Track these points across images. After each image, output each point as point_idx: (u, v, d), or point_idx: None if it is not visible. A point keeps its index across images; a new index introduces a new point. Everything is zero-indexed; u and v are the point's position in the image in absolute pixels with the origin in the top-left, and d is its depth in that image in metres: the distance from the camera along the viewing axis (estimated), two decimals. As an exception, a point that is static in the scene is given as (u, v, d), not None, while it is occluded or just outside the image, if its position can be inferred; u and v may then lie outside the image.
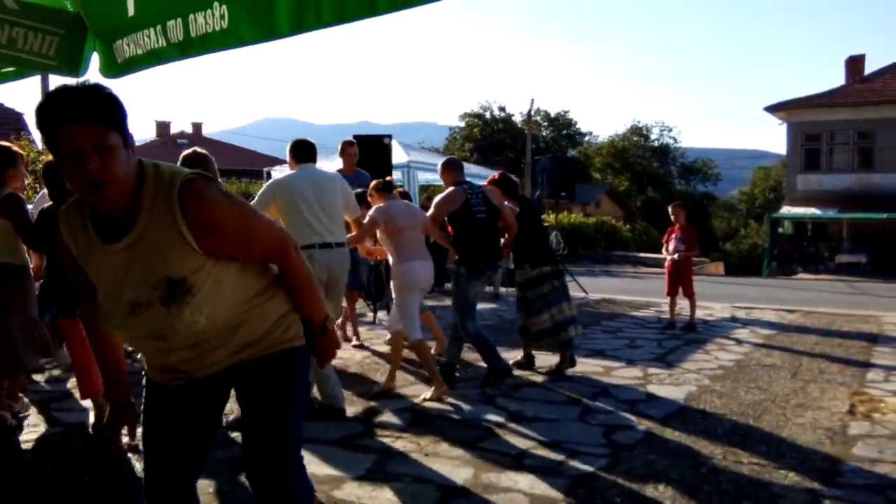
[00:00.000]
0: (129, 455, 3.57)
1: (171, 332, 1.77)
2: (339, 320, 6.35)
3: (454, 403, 4.88)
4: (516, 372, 5.69)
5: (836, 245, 26.64)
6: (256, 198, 4.59)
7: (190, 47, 3.06)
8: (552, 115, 52.11)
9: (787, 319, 9.20)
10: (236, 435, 4.05)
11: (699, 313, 8.65)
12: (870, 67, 29.92)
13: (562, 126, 52.54)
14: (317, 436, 4.00)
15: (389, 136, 9.07)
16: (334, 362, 4.01)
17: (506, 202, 5.75)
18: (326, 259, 4.47)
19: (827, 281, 20.42)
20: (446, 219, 5.45)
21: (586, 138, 54.27)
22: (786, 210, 28.07)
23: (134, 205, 1.70)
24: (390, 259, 5.11)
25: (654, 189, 48.56)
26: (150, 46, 3.24)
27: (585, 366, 6.11)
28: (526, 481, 3.47)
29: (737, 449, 3.94)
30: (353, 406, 4.74)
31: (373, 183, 5.26)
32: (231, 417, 4.15)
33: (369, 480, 3.46)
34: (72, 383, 4.87)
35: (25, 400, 4.71)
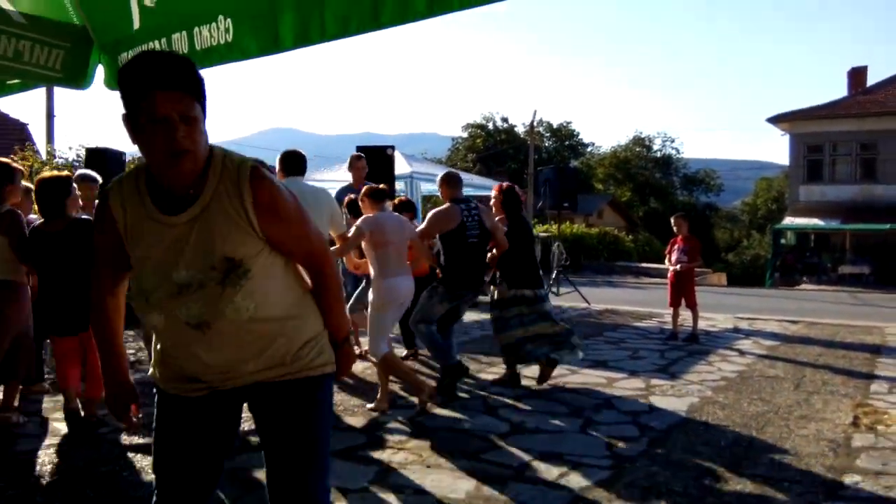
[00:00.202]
0: (138, 455, 3.57)
1: (217, 318, 1.71)
2: None
3: (456, 415, 4.87)
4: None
5: (839, 256, 26.60)
6: None
7: (195, 60, 3.07)
8: (555, 125, 52.29)
9: (790, 330, 9.19)
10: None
11: (702, 324, 8.64)
12: (872, 79, 30.01)
13: (564, 137, 52.67)
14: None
15: (392, 148, 9.10)
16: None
17: (499, 216, 5.67)
18: None
19: (830, 292, 20.39)
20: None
21: (589, 149, 54.43)
22: (788, 221, 28.06)
23: (200, 181, 1.70)
24: (371, 272, 4.89)
25: (657, 200, 48.60)
26: (155, 59, 3.26)
27: (587, 377, 6.11)
28: (528, 493, 3.46)
29: (740, 461, 3.93)
30: (355, 417, 4.74)
31: (364, 189, 5.03)
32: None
33: (371, 493, 3.45)
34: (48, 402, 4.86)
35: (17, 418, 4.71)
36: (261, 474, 3.59)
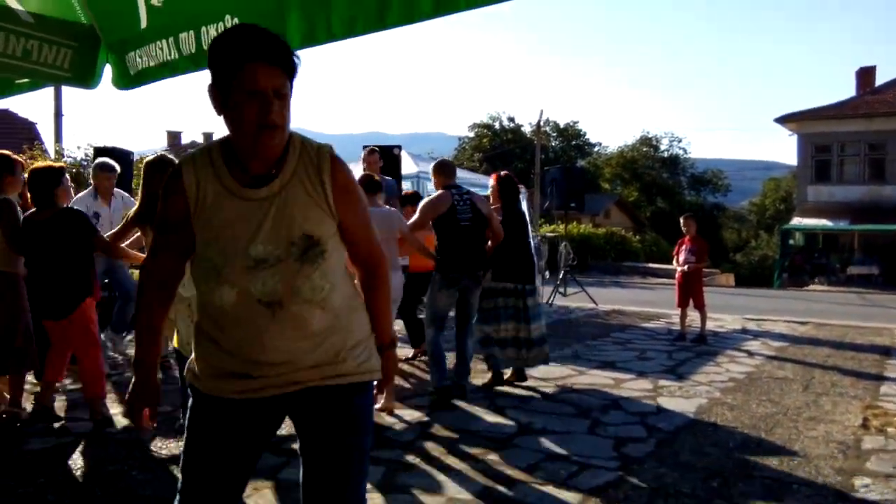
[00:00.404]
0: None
1: (293, 296, 1.68)
2: None
3: (464, 415, 4.86)
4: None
5: (848, 256, 26.48)
6: None
7: (202, 59, 3.08)
8: (561, 125, 52.19)
9: (798, 331, 9.15)
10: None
11: (710, 325, 8.61)
12: (881, 79, 29.88)
13: (571, 136, 52.58)
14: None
15: (399, 147, 9.10)
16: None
17: (495, 205, 5.56)
18: None
19: (838, 292, 20.30)
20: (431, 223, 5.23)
21: (595, 149, 54.32)
22: (796, 221, 27.95)
23: (279, 161, 1.71)
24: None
25: (664, 200, 48.48)
26: (163, 58, 3.27)
27: (595, 377, 6.09)
28: (536, 495, 3.45)
29: (748, 462, 3.91)
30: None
31: (359, 178, 4.84)
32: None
33: (380, 493, 3.44)
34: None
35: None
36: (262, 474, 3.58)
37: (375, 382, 1.90)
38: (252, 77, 1.59)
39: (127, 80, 3.55)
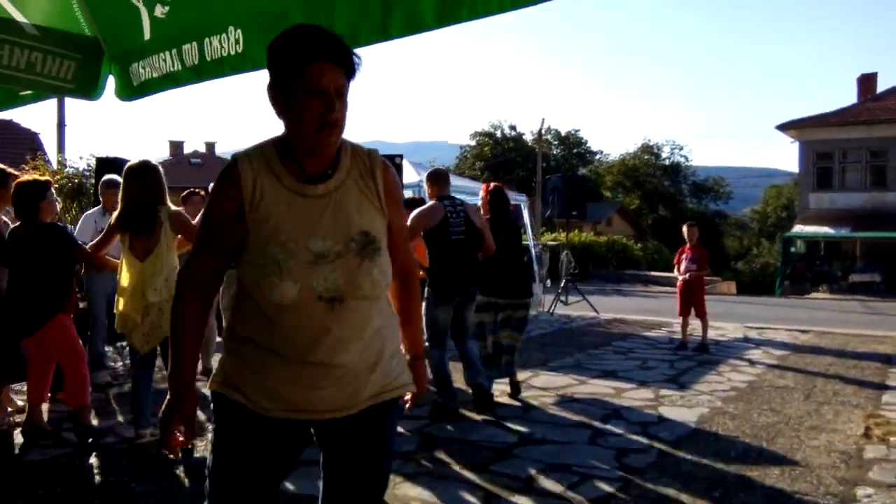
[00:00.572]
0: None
1: (353, 292, 1.67)
2: None
3: (464, 426, 4.85)
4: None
5: (850, 264, 26.42)
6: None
7: (205, 71, 3.09)
8: (563, 133, 52.27)
9: (800, 340, 9.14)
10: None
11: (711, 333, 8.61)
12: (882, 86, 29.87)
13: (572, 145, 52.65)
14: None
15: (401, 156, 9.12)
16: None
17: (486, 217, 5.42)
18: None
19: (840, 300, 20.26)
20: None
21: (597, 157, 54.36)
22: (798, 229, 27.92)
23: (333, 161, 1.73)
24: None
25: (665, 207, 48.47)
26: (166, 70, 3.28)
27: (596, 387, 6.08)
28: (537, 505, 3.45)
29: (750, 472, 3.90)
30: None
31: None
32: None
33: None
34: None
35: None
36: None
37: (408, 395, 1.89)
38: (316, 76, 1.60)
39: (130, 91, 3.56)
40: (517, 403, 5.45)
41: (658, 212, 48.47)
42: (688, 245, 8.25)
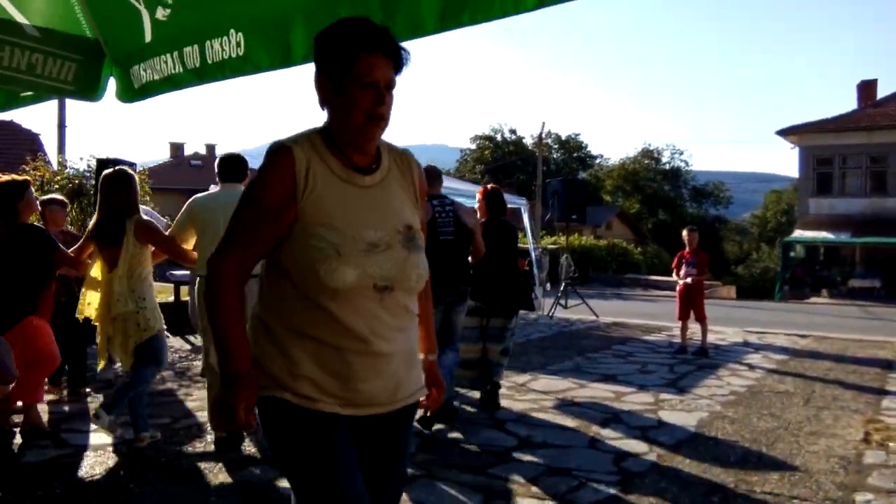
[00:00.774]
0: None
1: (402, 282, 1.69)
2: None
3: (463, 429, 4.85)
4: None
5: (849, 269, 26.46)
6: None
7: (206, 73, 3.10)
8: (563, 137, 52.38)
9: (799, 345, 9.13)
10: (252, 451, 4.05)
11: (711, 338, 8.60)
12: (882, 92, 29.96)
13: (572, 149, 52.75)
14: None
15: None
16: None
17: (478, 216, 5.33)
18: None
19: (840, 305, 20.26)
20: None
21: (597, 161, 54.47)
22: (798, 234, 27.95)
23: (376, 154, 1.76)
24: None
25: (665, 212, 48.54)
26: (167, 72, 3.28)
27: (596, 391, 6.08)
28: (536, 508, 3.44)
29: (749, 477, 3.89)
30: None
31: None
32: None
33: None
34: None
35: None
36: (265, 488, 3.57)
37: (422, 398, 1.90)
38: (368, 69, 1.61)
39: (131, 93, 3.57)
40: (517, 407, 5.44)
41: (658, 216, 48.54)
42: (686, 249, 8.26)
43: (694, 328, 8.37)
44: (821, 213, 27.36)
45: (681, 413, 5.34)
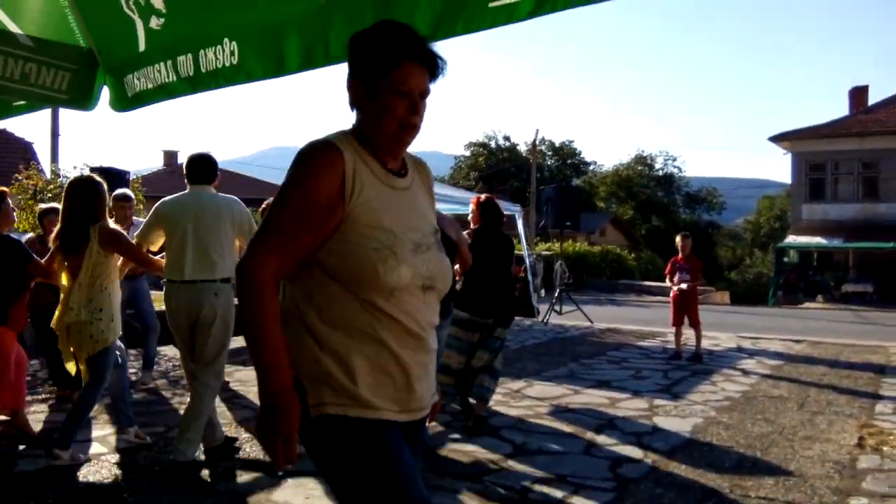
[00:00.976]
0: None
1: (441, 280, 1.72)
2: None
3: (458, 436, 4.84)
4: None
5: (842, 274, 26.54)
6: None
7: (200, 82, 3.10)
8: (557, 144, 52.50)
9: (793, 350, 9.16)
10: (248, 456, 4.03)
11: (705, 343, 8.62)
12: (873, 98, 30.13)
13: (566, 155, 52.85)
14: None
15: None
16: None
17: (471, 226, 5.20)
18: (188, 298, 3.93)
19: (833, 310, 20.32)
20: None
21: (591, 167, 54.57)
22: (791, 239, 28.03)
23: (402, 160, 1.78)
24: None
25: (659, 218, 48.64)
26: (161, 81, 3.28)
27: (590, 397, 6.08)
28: (531, 515, 3.44)
29: (744, 482, 3.90)
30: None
31: None
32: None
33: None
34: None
35: None
36: (262, 497, 3.57)
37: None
38: (406, 77, 1.61)
39: (125, 102, 3.56)
40: (512, 413, 5.44)
41: (651, 222, 48.63)
42: (679, 255, 8.29)
43: (688, 334, 8.39)
44: (814, 219, 27.46)
45: (675, 419, 5.35)
